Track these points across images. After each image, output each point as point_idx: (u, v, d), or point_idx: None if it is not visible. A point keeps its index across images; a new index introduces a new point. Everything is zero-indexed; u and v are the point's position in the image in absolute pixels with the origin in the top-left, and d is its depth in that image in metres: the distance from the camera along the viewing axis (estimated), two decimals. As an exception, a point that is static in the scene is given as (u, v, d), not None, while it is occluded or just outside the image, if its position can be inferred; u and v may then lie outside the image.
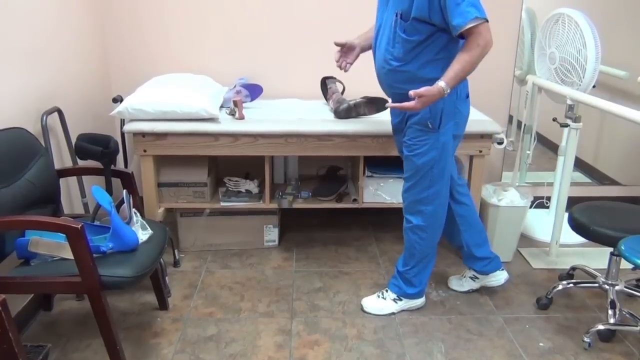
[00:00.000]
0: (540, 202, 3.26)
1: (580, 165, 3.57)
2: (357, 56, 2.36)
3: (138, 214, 2.13)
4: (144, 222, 2.12)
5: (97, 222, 2.10)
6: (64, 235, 1.77)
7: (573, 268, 2.67)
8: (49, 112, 2.39)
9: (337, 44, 2.34)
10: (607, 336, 2.24)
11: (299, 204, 2.84)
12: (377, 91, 2.38)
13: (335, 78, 2.99)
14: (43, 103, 2.40)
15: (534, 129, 3.19)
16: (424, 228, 2.28)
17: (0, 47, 2.09)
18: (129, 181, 2.27)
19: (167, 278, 2.58)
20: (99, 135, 2.26)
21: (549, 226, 2.93)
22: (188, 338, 2.24)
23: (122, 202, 2.11)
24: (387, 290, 2.45)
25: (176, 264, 2.80)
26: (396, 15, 2.06)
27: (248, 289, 2.60)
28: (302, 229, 3.22)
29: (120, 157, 2.90)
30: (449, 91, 1.98)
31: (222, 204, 2.80)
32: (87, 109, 2.86)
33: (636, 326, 2.23)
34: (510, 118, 3.33)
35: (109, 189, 2.20)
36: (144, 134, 2.55)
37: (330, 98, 2.88)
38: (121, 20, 3.07)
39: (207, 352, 2.15)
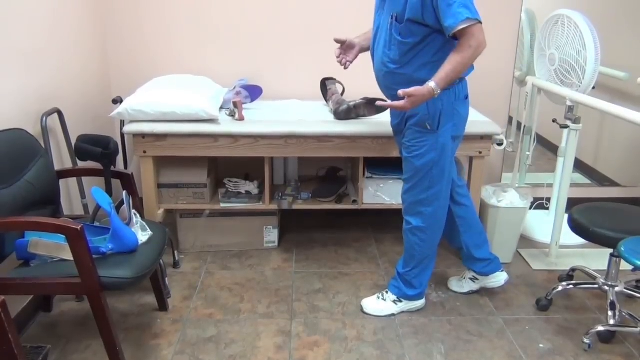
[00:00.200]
0: (540, 204, 3.26)
1: (580, 166, 3.57)
2: (357, 55, 2.37)
3: (138, 215, 2.13)
4: (144, 223, 2.12)
5: (97, 223, 2.10)
6: (64, 236, 1.77)
7: (573, 269, 2.67)
8: (49, 113, 2.39)
9: (336, 41, 2.35)
10: (607, 337, 2.24)
11: (299, 205, 2.84)
12: (377, 92, 2.38)
13: (335, 79, 2.99)
14: (43, 104, 2.40)
15: (533, 130, 3.19)
16: (423, 229, 2.28)
17: (0, 48, 2.10)
18: (128, 182, 2.27)
19: (166, 279, 2.58)
20: (99, 136, 2.26)
21: (549, 227, 2.93)
22: (188, 339, 2.24)
23: (122, 203, 2.11)
24: (387, 292, 2.45)
25: (176, 265, 2.80)
26: (391, 18, 2.07)
27: (248, 290, 2.60)
28: (301, 230, 3.22)
29: (120, 158, 2.90)
30: (439, 92, 1.98)
31: (222, 205, 2.80)
32: (87, 110, 2.86)
33: (636, 327, 2.23)
34: (510, 119, 3.33)
35: (108, 190, 2.20)
36: (143, 135, 2.55)
37: (330, 99, 2.88)
38: (121, 21, 3.07)
39: (207, 353, 2.15)
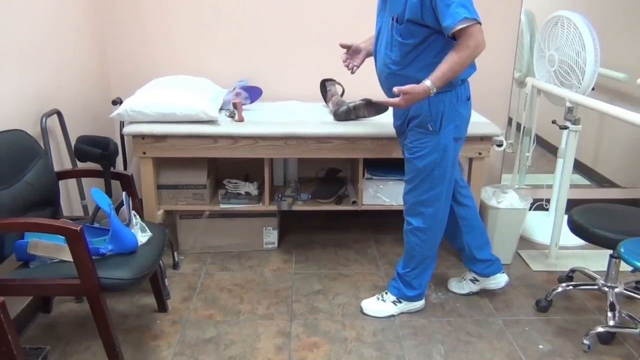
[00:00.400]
0: (540, 205, 3.26)
1: (579, 167, 3.57)
2: (363, 59, 2.39)
3: (137, 216, 2.13)
4: (143, 224, 2.12)
5: (96, 224, 2.10)
6: (63, 237, 1.77)
7: (572, 270, 2.67)
8: (49, 114, 2.39)
9: (342, 46, 2.36)
10: (607, 338, 2.24)
11: (299, 206, 2.84)
12: (376, 93, 2.38)
13: (334, 80, 2.99)
14: (42, 105, 2.40)
15: (533, 131, 3.19)
16: (424, 230, 2.28)
17: (0, 48, 2.10)
18: (128, 183, 2.27)
19: (166, 280, 2.58)
20: (99, 137, 2.26)
21: (549, 228, 2.93)
22: (187, 340, 2.23)
23: (121, 204, 2.11)
24: (386, 293, 2.45)
25: (175, 266, 2.80)
26: (392, 19, 2.08)
27: (247, 291, 2.60)
28: (301, 231, 3.22)
29: (119, 159, 2.90)
30: (434, 91, 1.99)
31: (222, 206, 2.80)
32: (86, 111, 2.86)
33: (636, 328, 2.22)
34: (510, 120, 3.33)
35: (108, 191, 2.20)
36: (143, 136, 2.54)
37: (329, 100, 2.88)
38: (121, 22, 3.07)
39: (207, 355, 2.15)
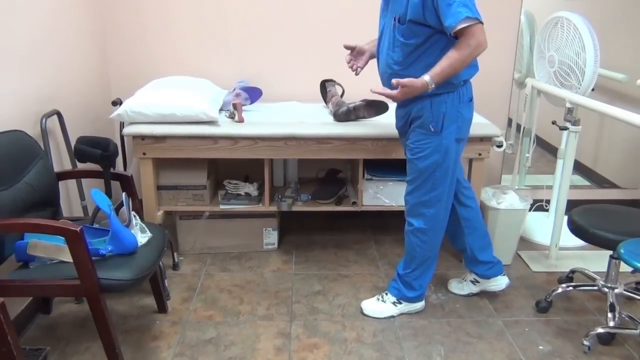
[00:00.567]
0: (540, 205, 3.26)
1: (579, 168, 3.58)
2: (367, 61, 2.39)
3: (137, 217, 2.13)
4: (143, 225, 2.12)
5: (96, 225, 2.10)
6: (63, 238, 1.77)
7: (572, 271, 2.67)
8: (49, 115, 2.39)
9: (346, 47, 2.37)
10: (607, 339, 2.24)
11: (299, 207, 2.84)
12: (377, 94, 2.37)
13: (334, 81, 2.99)
14: (42, 106, 2.40)
15: (533, 132, 3.19)
16: (425, 231, 2.28)
17: (0, 49, 2.10)
18: (128, 184, 2.27)
19: (166, 281, 2.58)
20: (99, 138, 2.26)
21: (549, 229, 2.93)
22: (187, 341, 2.23)
23: (121, 205, 2.11)
24: (386, 293, 2.45)
25: (175, 266, 2.79)
26: (394, 20, 2.08)
27: (247, 292, 2.60)
28: (301, 232, 3.22)
29: (119, 160, 2.90)
30: (433, 86, 1.99)
31: (222, 206, 2.80)
32: (86, 112, 2.86)
33: (636, 329, 2.22)
34: (510, 121, 3.33)
35: (108, 192, 2.20)
36: (143, 137, 2.54)
37: (329, 101, 2.88)
38: (121, 23, 3.07)
39: (206, 355, 2.15)
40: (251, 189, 2.84)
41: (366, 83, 2.49)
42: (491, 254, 2.51)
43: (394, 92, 2.03)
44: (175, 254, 2.81)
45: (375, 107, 2.71)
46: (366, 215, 3.35)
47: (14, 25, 2.19)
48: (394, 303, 2.42)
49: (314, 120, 2.75)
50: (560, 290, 2.49)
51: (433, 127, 2.13)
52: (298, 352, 2.18)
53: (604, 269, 2.39)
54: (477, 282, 2.56)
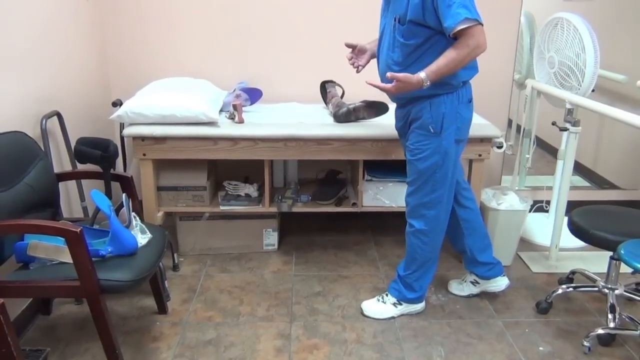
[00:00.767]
0: (540, 206, 3.26)
1: (579, 169, 3.58)
2: (369, 60, 2.39)
3: (137, 218, 2.13)
4: (143, 226, 2.12)
5: (96, 226, 2.10)
6: (63, 239, 1.77)
7: (573, 272, 2.67)
8: (49, 116, 2.39)
9: (347, 45, 2.37)
10: (607, 340, 2.24)
11: (299, 208, 2.84)
12: (377, 95, 2.38)
13: (334, 82, 2.99)
14: (42, 107, 2.40)
15: (533, 133, 3.19)
16: (426, 232, 2.28)
17: (0, 51, 2.10)
18: (128, 185, 2.27)
19: (166, 282, 2.58)
20: (99, 139, 2.26)
21: (549, 230, 2.93)
22: (187, 342, 2.23)
23: (121, 206, 2.11)
24: (387, 294, 2.45)
25: (175, 267, 2.79)
26: (394, 20, 2.08)
27: (247, 293, 2.60)
28: (301, 233, 3.22)
29: (119, 161, 2.90)
30: (428, 84, 1.99)
31: (222, 207, 2.80)
32: (86, 113, 2.86)
33: (636, 330, 2.22)
34: (510, 122, 3.33)
35: (108, 193, 2.20)
36: (143, 138, 2.55)
37: (329, 102, 2.88)
38: (121, 24, 3.07)
39: (206, 357, 2.15)
40: (251, 189, 2.84)
41: (366, 84, 2.50)
42: (491, 255, 2.51)
43: (389, 85, 2.03)
44: (175, 255, 2.81)
45: (375, 108, 2.72)
46: (366, 216, 3.35)
47: (14, 26, 2.19)
48: (394, 304, 2.41)
49: (314, 121, 2.75)
50: (560, 291, 2.49)
51: (433, 128, 2.13)
52: (298, 353, 2.18)
53: (604, 270, 2.39)
54: (477, 283, 2.56)
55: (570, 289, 2.54)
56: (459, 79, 2.09)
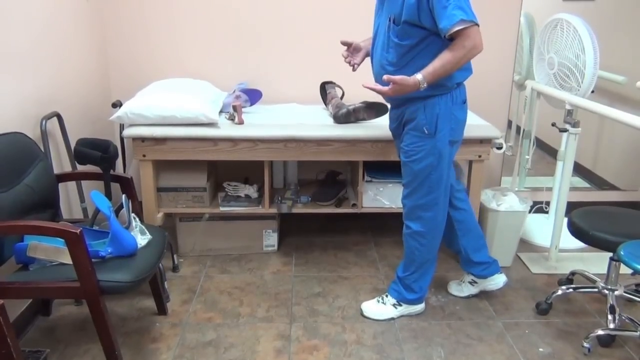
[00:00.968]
0: (540, 207, 3.26)
1: (579, 170, 3.58)
2: (364, 58, 2.38)
3: (137, 219, 2.13)
4: (143, 227, 2.12)
5: (96, 227, 2.10)
6: (63, 240, 1.77)
7: (572, 273, 2.67)
8: (48, 117, 2.39)
9: (343, 43, 2.36)
10: (607, 341, 2.24)
11: (298, 209, 2.84)
12: (376, 96, 2.38)
13: (334, 83, 2.99)
14: (42, 108, 2.40)
15: (532, 134, 3.19)
16: (423, 234, 2.28)
17: (0, 52, 2.10)
18: (128, 186, 2.27)
19: (166, 283, 2.58)
20: (98, 140, 2.26)
21: (549, 231, 2.93)
22: (187, 343, 2.23)
23: (121, 206, 2.11)
24: (387, 295, 2.45)
25: (175, 268, 2.79)
26: (389, 20, 2.08)
27: (247, 294, 2.60)
28: (301, 234, 3.22)
29: (119, 162, 2.90)
30: (425, 85, 1.99)
31: (221, 208, 2.80)
32: (86, 114, 2.86)
33: (636, 331, 2.22)
34: (509, 123, 3.33)
35: (108, 194, 2.20)
36: (143, 139, 2.55)
37: (329, 103, 2.89)
38: (121, 25, 3.07)
39: (206, 357, 2.15)
40: (251, 190, 2.84)
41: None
42: (486, 254, 2.51)
43: (385, 88, 2.02)
44: (175, 255, 2.81)
45: (375, 109, 2.72)
46: (366, 217, 3.35)
47: (13, 26, 2.19)
48: (394, 305, 2.41)
49: (313, 122, 2.75)
50: (560, 292, 2.49)
51: (427, 129, 2.13)
52: (298, 354, 2.18)
53: (604, 271, 2.39)
54: (475, 282, 2.56)
55: (570, 290, 2.54)
56: (453, 81, 2.09)
